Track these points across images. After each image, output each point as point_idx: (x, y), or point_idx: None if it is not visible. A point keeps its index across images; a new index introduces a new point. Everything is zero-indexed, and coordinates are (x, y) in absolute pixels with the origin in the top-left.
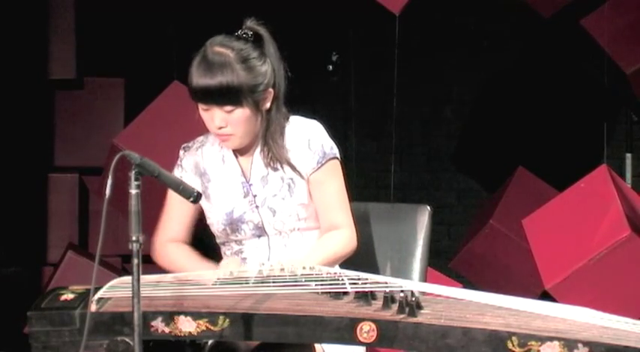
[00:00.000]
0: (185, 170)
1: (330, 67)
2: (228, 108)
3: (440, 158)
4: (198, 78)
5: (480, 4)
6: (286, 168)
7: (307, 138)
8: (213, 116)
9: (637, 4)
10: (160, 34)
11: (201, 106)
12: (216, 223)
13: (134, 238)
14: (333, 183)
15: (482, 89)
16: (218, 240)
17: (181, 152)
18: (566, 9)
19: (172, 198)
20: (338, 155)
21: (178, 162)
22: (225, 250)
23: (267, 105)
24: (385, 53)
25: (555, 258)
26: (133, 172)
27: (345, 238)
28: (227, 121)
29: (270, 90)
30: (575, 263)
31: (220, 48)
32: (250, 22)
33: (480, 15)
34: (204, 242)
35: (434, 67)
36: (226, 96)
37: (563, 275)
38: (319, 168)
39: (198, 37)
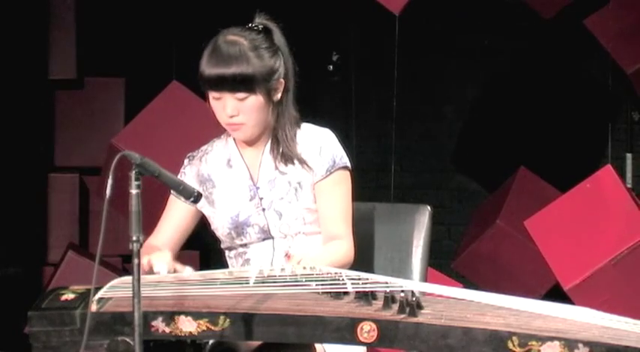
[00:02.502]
0: (187, 177)
1: (331, 66)
2: (241, 95)
3: (440, 158)
4: (212, 66)
5: (480, 4)
6: (294, 172)
7: (319, 145)
8: (225, 104)
9: (639, 4)
10: (160, 33)
11: (212, 95)
12: (221, 227)
13: (134, 238)
14: (338, 193)
15: (483, 89)
16: (222, 245)
17: (186, 161)
18: (567, 9)
19: (170, 204)
20: (348, 165)
21: (182, 169)
22: (229, 254)
23: (279, 96)
24: (385, 53)
25: (571, 259)
26: (134, 172)
27: (345, 249)
28: (239, 109)
29: (282, 80)
30: (595, 263)
31: (233, 36)
32: (260, 17)
33: (481, 15)
34: (208, 247)
35: (434, 66)
36: (240, 83)
37: (582, 276)
38: (327, 176)
39: (198, 37)
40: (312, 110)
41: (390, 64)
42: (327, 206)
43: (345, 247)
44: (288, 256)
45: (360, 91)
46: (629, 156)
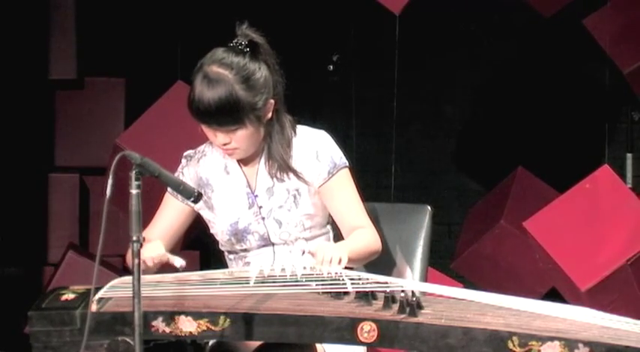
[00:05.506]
0: (185, 179)
1: (331, 66)
2: (232, 128)
3: (440, 158)
4: (199, 102)
5: (480, 3)
6: (292, 178)
7: (315, 149)
8: (216, 134)
9: (637, 4)
10: (160, 33)
11: (203, 126)
12: (220, 233)
13: (134, 238)
14: (346, 190)
15: (483, 89)
16: (222, 248)
17: (183, 161)
18: (567, 8)
19: (165, 200)
20: (348, 164)
21: (179, 169)
22: (229, 256)
23: (269, 115)
24: (385, 53)
25: (582, 260)
26: (134, 172)
27: (372, 235)
28: (231, 138)
29: (271, 100)
30: (611, 263)
31: (219, 68)
32: (244, 29)
33: (480, 15)
34: (208, 247)
35: (434, 66)
36: (229, 118)
37: (599, 277)
38: (330, 178)
39: (202, 37)
40: (312, 110)
41: (390, 64)
42: (340, 203)
43: (371, 233)
44: (311, 254)
45: (360, 91)
46: (629, 156)
